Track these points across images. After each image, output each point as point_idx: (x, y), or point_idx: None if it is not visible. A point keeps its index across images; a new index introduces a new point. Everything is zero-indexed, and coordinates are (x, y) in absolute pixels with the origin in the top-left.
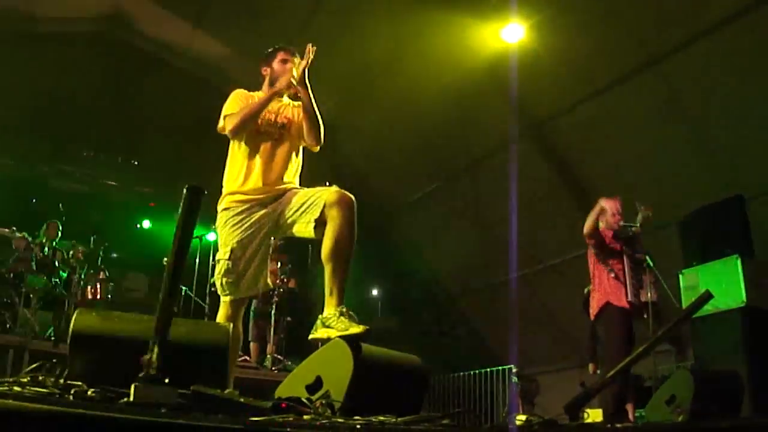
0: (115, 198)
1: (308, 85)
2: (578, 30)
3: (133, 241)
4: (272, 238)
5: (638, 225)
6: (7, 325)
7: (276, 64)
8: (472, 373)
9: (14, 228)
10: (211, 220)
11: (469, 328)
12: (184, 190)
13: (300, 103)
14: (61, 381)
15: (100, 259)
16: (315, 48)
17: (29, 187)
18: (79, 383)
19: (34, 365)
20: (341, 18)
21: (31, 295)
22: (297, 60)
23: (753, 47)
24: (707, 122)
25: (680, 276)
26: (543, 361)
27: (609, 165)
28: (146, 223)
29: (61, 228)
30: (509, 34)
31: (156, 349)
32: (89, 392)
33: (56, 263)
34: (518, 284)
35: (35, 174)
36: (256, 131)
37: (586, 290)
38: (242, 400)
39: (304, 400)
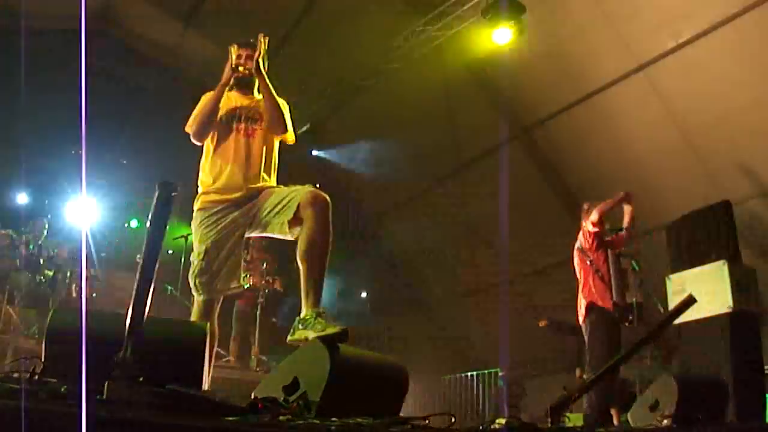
0: (103, 197)
1: (264, 74)
2: (568, 33)
3: (122, 240)
4: (247, 237)
5: (624, 227)
6: None
7: (234, 60)
8: (459, 376)
9: None
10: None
11: (457, 331)
12: (156, 186)
13: None
14: (35, 378)
15: (86, 257)
16: (267, 38)
17: (16, 184)
18: (54, 380)
19: (9, 361)
20: (332, 19)
21: (15, 293)
22: (242, 50)
23: (741, 52)
24: (696, 127)
25: (667, 281)
26: (531, 365)
27: (598, 169)
28: (134, 223)
29: (47, 226)
30: (499, 37)
31: (129, 347)
32: (62, 389)
33: (41, 261)
34: (506, 287)
35: (22, 171)
36: (228, 129)
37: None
38: (217, 399)
39: (281, 401)
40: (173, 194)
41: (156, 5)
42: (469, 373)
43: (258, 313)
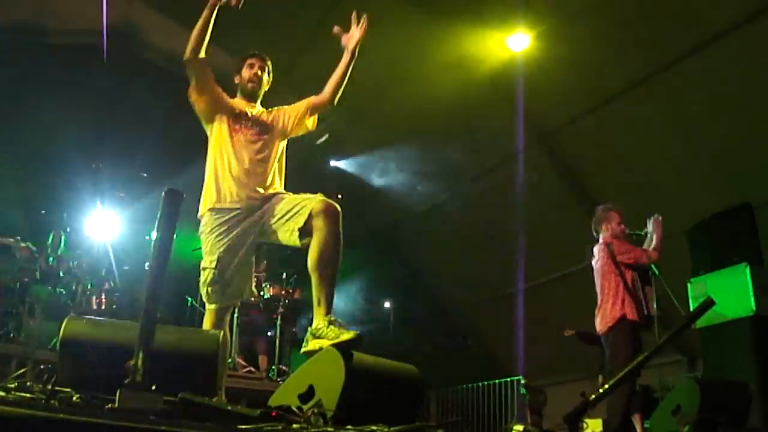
0: (122, 210)
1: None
2: (584, 39)
3: (143, 252)
4: (262, 244)
5: (649, 231)
6: (11, 335)
7: (244, 71)
8: (481, 384)
9: (18, 237)
10: None
11: (479, 340)
12: (162, 194)
13: (278, 107)
14: (49, 387)
15: (105, 269)
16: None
17: (37, 198)
18: (68, 389)
19: (20, 371)
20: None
21: (36, 305)
22: (255, 59)
23: (759, 54)
24: (715, 130)
25: (689, 285)
26: (552, 372)
27: (617, 174)
28: (154, 235)
29: (65, 238)
30: (515, 44)
31: (141, 355)
32: (74, 398)
33: (61, 273)
34: (527, 295)
35: (42, 185)
36: (235, 137)
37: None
38: (230, 408)
39: (294, 409)
40: (179, 202)
41: (174, 18)
42: (491, 381)
43: (279, 323)
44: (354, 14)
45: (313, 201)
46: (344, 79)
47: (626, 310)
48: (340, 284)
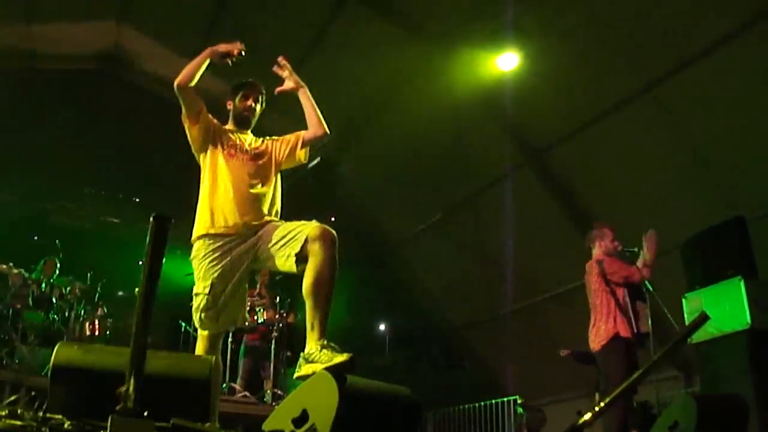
0: (116, 235)
1: (301, 83)
2: (573, 58)
3: (136, 279)
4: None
5: (643, 249)
6: (4, 362)
7: (237, 100)
8: (478, 405)
9: (11, 264)
10: None
11: (475, 360)
12: (151, 219)
13: (270, 137)
14: (40, 414)
15: (97, 296)
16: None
17: (30, 224)
18: (59, 416)
19: (11, 398)
20: (339, 52)
21: (28, 332)
22: (249, 91)
23: (749, 66)
24: (706, 144)
25: (684, 300)
26: (550, 391)
27: (609, 191)
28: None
29: (59, 265)
30: (504, 63)
31: (132, 381)
32: (66, 425)
33: (54, 300)
34: (523, 314)
35: (36, 210)
36: (229, 164)
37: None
38: None
39: None
40: (168, 227)
41: (164, 43)
42: (488, 402)
43: (272, 347)
44: (275, 65)
45: (309, 227)
46: (315, 109)
47: (619, 327)
48: (333, 307)
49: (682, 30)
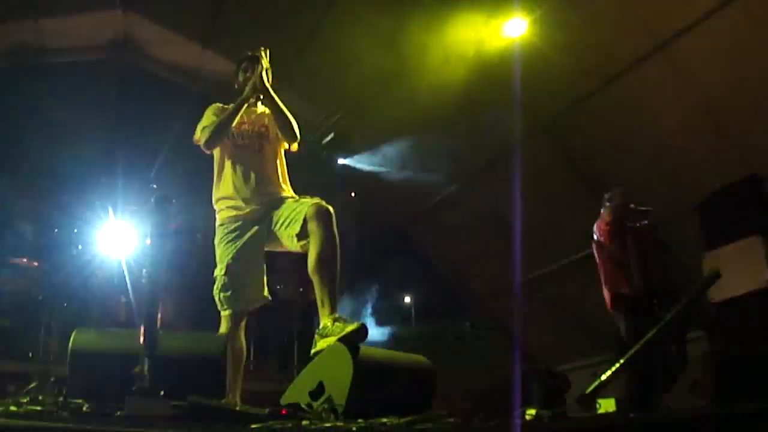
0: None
1: (268, 88)
2: (583, 20)
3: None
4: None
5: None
6: (29, 353)
7: (240, 77)
8: (506, 373)
9: (27, 258)
10: None
11: (500, 329)
12: (152, 200)
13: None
14: (60, 399)
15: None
16: (268, 50)
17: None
18: (78, 400)
19: (31, 385)
20: (347, 28)
21: (51, 322)
22: (260, 65)
23: (762, 22)
24: (720, 102)
25: (702, 260)
26: (575, 356)
27: (624, 154)
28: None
29: (78, 255)
30: (512, 29)
31: (146, 362)
32: (85, 408)
33: (75, 289)
34: (542, 281)
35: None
36: (235, 144)
37: None
38: (239, 408)
39: (303, 406)
40: (168, 207)
41: (173, 28)
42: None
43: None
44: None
45: (306, 205)
46: (280, 117)
47: (620, 285)
48: (357, 284)
49: None
